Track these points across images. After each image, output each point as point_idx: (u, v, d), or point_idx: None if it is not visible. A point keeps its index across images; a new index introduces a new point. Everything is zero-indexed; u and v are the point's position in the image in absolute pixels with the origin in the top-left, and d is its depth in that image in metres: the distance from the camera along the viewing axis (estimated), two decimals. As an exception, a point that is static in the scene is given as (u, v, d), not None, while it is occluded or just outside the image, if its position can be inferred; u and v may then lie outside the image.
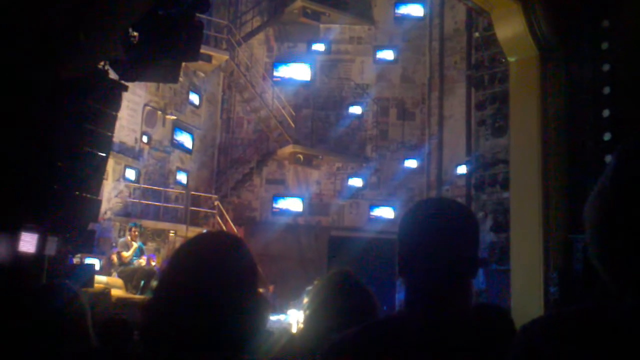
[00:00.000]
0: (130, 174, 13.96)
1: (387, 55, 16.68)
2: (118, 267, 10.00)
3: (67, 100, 5.62)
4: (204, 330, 1.23)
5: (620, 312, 0.89)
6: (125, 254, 10.02)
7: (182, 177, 15.69)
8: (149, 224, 13.65)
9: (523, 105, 7.32)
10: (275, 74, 17.05)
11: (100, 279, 8.76)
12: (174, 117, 15.36)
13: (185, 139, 15.83)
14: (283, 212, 16.14)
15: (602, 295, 0.91)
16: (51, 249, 5.45)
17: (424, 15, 16.28)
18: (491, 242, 9.28)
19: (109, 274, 9.97)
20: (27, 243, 5.18)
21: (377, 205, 15.95)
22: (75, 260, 6.93)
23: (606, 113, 6.60)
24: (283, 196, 16.34)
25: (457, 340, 1.33)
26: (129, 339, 3.67)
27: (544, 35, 7.07)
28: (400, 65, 16.58)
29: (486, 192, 9.77)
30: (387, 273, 11.37)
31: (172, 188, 15.29)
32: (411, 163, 15.84)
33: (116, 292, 8.61)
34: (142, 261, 10.16)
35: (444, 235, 1.40)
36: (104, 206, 11.60)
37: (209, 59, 15.38)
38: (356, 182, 16.12)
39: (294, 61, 17.02)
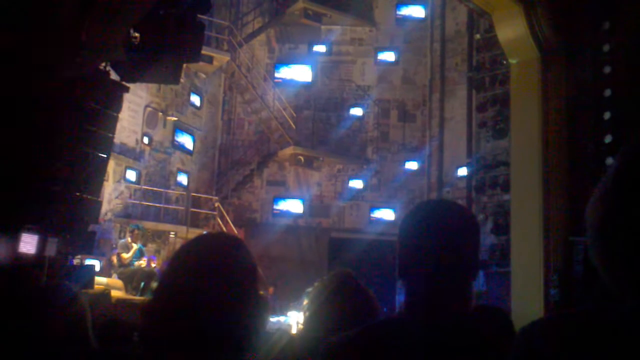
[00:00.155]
0: (131, 175, 13.96)
1: (388, 56, 16.70)
2: (117, 268, 10.00)
3: (68, 101, 5.63)
4: (204, 332, 1.23)
5: (621, 314, 0.89)
6: (125, 255, 10.01)
7: (182, 179, 15.69)
8: (150, 225, 13.64)
9: (524, 107, 7.32)
10: (276, 75, 17.07)
11: (101, 280, 8.74)
12: (175, 118, 15.36)
13: (186, 140, 15.83)
14: (283, 213, 16.15)
15: (603, 297, 0.91)
16: (51, 250, 5.45)
17: (425, 16, 16.30)
18: (492, 244, 9.28)
19: (109, 275, 9.97)
20: (28, 244, 5.18)
21: (378, 207, 15.96)
22: (76, 261, 6.92)
23: (607, 115, 6.60)
24: (283, 198, 16.35)
25: (457, 342, 1.32)
26: (128, 340, 3.66)
27: (545, 37, 7.07)
28: (401, 66, 16.59)
29: (487, 194, 9.77)
30: (387, 275, 11.35)
31: (173, 189, 15.29)
32: (412, 165, 15.86)
33: (116, 294, 8.59)
34: (142, 263, 10.15)
35: (445, 237, 1.39)
36: (105, 207, 11.61)
37: (210, 60, 15.38)
38: (357, 183, 16.14)
39: (295, 62, 17.03)
